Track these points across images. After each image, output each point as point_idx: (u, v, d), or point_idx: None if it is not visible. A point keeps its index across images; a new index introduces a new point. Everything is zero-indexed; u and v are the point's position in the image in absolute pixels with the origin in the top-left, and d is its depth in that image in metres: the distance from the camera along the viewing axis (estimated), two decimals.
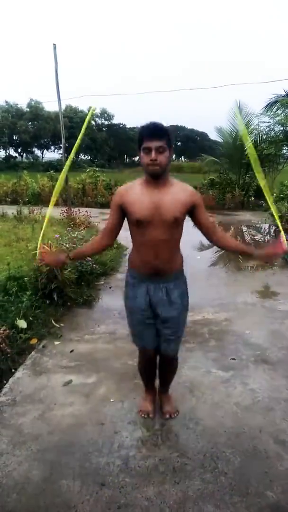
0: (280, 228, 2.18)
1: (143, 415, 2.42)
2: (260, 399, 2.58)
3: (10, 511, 1.81)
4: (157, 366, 2.45)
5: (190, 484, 1.94)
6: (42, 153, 52.27)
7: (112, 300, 4.37)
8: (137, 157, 2.02)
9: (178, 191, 1.99)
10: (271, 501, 1.84)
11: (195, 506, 1.82)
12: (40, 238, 2.27)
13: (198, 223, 2.09)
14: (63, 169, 2.23)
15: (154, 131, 1.87)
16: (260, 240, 8.15)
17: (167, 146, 1.88)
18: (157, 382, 2.55)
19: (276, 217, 2.32)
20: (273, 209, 2.22)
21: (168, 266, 2.07)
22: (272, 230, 8.92)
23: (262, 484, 1.93)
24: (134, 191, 2.00)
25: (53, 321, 3.68)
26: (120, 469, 2.03)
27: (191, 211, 2.03)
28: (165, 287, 2.09)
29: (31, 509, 1.81)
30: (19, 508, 1.82)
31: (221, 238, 2.15)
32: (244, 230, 9.21)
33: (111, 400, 2.58)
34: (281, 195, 8.49)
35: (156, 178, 1.94)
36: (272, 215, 7.73)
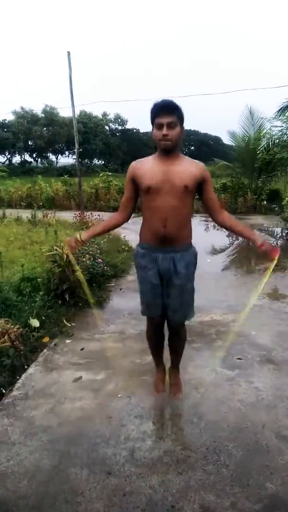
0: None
1: (157, 393, 2.61)
2: (264, 397, 2.65)
3: (21, 496, 1.91)
4: (164, 337, 2.58)
5: (193, 474, 2.01)
6: (57, 158, 52.97)
7: (122, 301, 4.48)
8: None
9: (189, 164, 2.12)
10: (271, 492, 1.91)
11: (197, 495, 1.89)
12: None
13: (205, 199, 2.21)
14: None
15: (165, 107, 2.00)
16: (273, 244, 8.15)
17: (178, 122, 2.01)
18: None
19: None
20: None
21: (176, 236, 2.16)
22: (284, 234, 8.91)
23: (262, 476, 2.00)
24: (146, 164, 2.14)
25: (64, 321, 3.80)
26: (126, 459, 2.12)
27: (200, 185, 2.14)
28: (172, 258, 2.19)
29: (40, 495, 1.92)
30: (30, 493, 1.92)
31: (227, 218, 2.28)
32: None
33: (119, 396, 2.67)
34: None
35: (168, 152, 2.06)
36: (284, 219, 7.77)
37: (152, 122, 2.04)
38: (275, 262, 2.24)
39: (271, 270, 2.28)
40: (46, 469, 2.07)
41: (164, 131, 1.98)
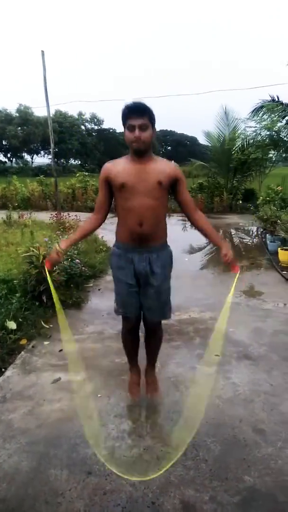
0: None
1: (130, 397, 2.57)
2: (241, 392, 2.70)
3: (1, 499, 1.89)
4: (139, 339, 2.59)
5: (172, 470, 2.04)
6: (32, 158, 52.22)
7: (100, 301, 4.47)
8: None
9: (162, 164, 2.14)
10: (248, 485, 1.95)
11: (177, 491, 1.92)
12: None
13: (180, 199, 2.23)
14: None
15: (136, 109, 2.01)
16: (249, 243, 8.30)
17: (150, 123, 2.02)
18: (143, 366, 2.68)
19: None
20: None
21: (152, 235, 2.17)
22: (259, 232, 9.09)
23: (240, 470, 2.04)
24: (119, 164, 2.14)
25: (42, 322, 3.76)
26: (106, 458, 2.12)
27: (174, 184, 2.16)
28: (148, 258, 2.20)
29: (20, 497, 1.90)
30: (9, 496, 1.90)
31: (200, 220, 2.29)
32: (232, 233, 9.37)
33: (98, 396, 2.67)
34: (268, 198, 8.68)
35: (140, 154, 2.07)
36: (259, 218, 7.92)
37: (124, 124, 2.04)
38: (237, 275, 2.29)
39: (235, 283, 2.31)
40: (25, 471, 2.05)
41: (136, 133, 1.99)
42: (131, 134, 2.01)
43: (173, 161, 2.25)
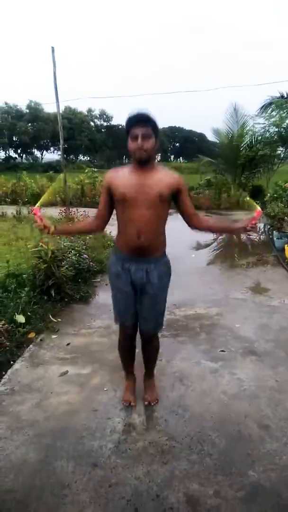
0: (254, 204, 2.25)
1: (124, 404, 2.54)
2: (247, 388, 2.71)
3: (8, 490, 1.93)
4: (135, 348, 2.58)
5: (177, 464, 2.06)
6: (42, 154, 52.43)
7: (108, 296, 4.44)
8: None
9: (164, 175, 2.13)
10: (253, 480, 1.97)
11: (181, 484, 1.94)
12: (39, 202, 2.30)
13: (181, 209, 2.22)
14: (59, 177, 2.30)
15: (140, 119, 2.00)
16: (256, 239, 8.27)
17: (153, 133, 2.01)
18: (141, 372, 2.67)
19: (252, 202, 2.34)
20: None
21: (151, 247, 2.16)
22: (266, 229, 9.04)
23: (245, 465, 2.06)
24: (122, 173, 2.14)
25: (50, 316, 3.80)
26: (112, 451, 2.15)
27: (175, 195, 2.15)
28: (145, 268, 2.20)
29: (27, 488, 1.93)
30: (16, 487, 1.94)
31: (202, 221, 2.29)
32: None
33: (105, 389, 2.70)
34: (275, 195, 8.61)
35: (143, 164, 2.07)
36: (266, 215, 7.88)
37: (127, 133, 2.04)
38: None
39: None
40: (32, 463, 2.08)
41: (139, 142, 1.99)
42: (133, 143, 2.01)
43: (175, 172, 2.21)
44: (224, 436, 2.26)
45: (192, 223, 2.28)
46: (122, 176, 2.13)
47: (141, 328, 2.42)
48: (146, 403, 2.55)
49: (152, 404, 2.54)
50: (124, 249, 2.21)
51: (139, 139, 1.98)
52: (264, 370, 2.93)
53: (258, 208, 2.18)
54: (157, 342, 2.55)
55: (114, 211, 2.25)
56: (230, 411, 2.47)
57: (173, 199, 2.19)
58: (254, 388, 2.71)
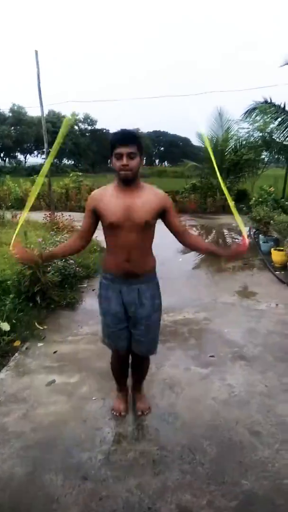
0: (242, 229, 2.26)
1: (115, 414, 2.48)
2: (237, 393, 2.69)
3: None
4: (129, 365, 2.52)
5: (169, 475, 2.02)
6: (25, 158, 51.91)
7: (95, 302, 4.38)
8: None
9: (149, 196, 2.08)
10: (246, 489, 1.94)
11: (174, 496, 1.90)
12: (15, 235, 2.25)
13: (169, 227, 2.19)
14: (40, 173, 2.25)
15: (125, 137, 1.97)
16: (242, 243, 8.31)
17: (138, 152, 1.98)
18: (130, 381, 2.62)
19: (237, 217, 2.33)
20: (232, 208, 2.29)
21: (140, 268, 2.14)
22: (252, 233, 9.11)
23: (237, 473, 2.03)
24: (107, 196, 2.08)
25: (36, 324, 3.72)
26: (102, 463, 2.10)
27: (162, 215, 2.12)
28: (137, 289, 2.16)
29: (15, 503, 1.87)
30: (3, 502, 1.87)
31: (194, 242, 2.25)
32: (225, 233, 9.39)
33: (93, 398, 2.65)
34: (260, 199, 8.69)
35: (128, 183, 2.03)
36: (252, 219, 7.94)
37: (112, 152, 2.00)
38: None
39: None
40: (20, 477, 2.02)
41: (124, 161, 1.95)
42: (118, 162, 1.97)
43: (159, 190, 2.17)
44: (216, 444, 2.23)
45: (181, 239, 2.24)
46: (107, 200, 2.07)
47: (134, 351, 2.34)
48: (139, 413, 2.49)
49: (145, 413, 2.49)
50: (114, 271, 2.17)
51: (124, 158, 1.95)
52: (254, 375, 2.91)
53: (245, 234, 2.20)
54: (147, 363, 2.51)
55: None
56: (221, 418, 2.45)
57: (161, 217, 2.15)
58: (244, 393, 2.69)
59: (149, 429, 2.37)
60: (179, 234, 2.21)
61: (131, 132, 2.01)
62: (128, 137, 1.97)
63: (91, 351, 3.27)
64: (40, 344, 3.40)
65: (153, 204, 2.06)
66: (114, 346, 2.35)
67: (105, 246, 2.26)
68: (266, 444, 2.22)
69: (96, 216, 2.12)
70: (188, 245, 2.25)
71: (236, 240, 8.56)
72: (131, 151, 1.95)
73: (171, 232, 2.21)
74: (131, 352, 2.39)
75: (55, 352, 3.27)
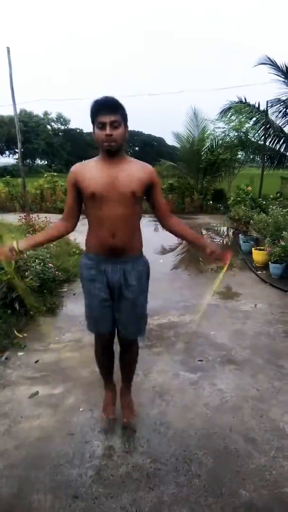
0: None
1: (106, 417, 2.37)
2: (229, 399, 2.63)
3: None
4: (114, 355, 2.39)
5: (165, 489, 1.93)
6: None
7: (76, 307, 4.28)
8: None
9: (136, 168, 1.96)
10: (245, 500, 1.87)
11: (171, 511, 1.81)
12: None
13: (154, 204, 2.09)
14: None
15: (108, 105, 1.83)
16: (219, 243, 8.33)
17: (122, 121, 1.86)
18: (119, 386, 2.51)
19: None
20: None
21: (126, 246, 2.00)
22: (230, 233, 9.15)
23: (235, 484, 1.96)
24: (89, 168, 1.95)
25: (15, 332, 3.55)
26: (93, 479, 1.99)
27: (148, 189, 2.01)
28: (122, 269, 2.03)
29: None
30: None
31: (177, 224, 2.16)
32: (203, 233, 9.39)
33: (80, 410, 2.52)
34: (238, 199, 8.73)
35: (112, 155, 1.90)
36: (231, 218, 7.97)
37: (93, 122, 1.86)
38: (227, 265, 2.18)
39: (224, 272, 2.21)
40: (5, 498, 1.88)
41: (107, 131, 1.81)
42: (101, 132, 1.83)
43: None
44: (211, 453, 2.15)
45: (166, 222, 2.14)
46: (89, 171, 1.93)
47: (120, 335, 2.23)
48: (125, 420, 2.37)
49: (131, 420, 2.37)
50: (98, 249, 2.02)
51: (107, 127, 1.81)
52: (244, 379, 2.86)
53: (228, 255, 2.17)
54: (136, 349, 2.38)
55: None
56: (214, 425, 2.37)
57: (146, 194, 2.03)
58: (236, 399, 2.63)
59: (141, 440, 2.26)
60: (163, 214, 2.11)
61: (113, 99, 1.85)
62: (111, 105, 1.83)
63: (76, 359, 3.14)
64: (20, 354, 3.24)
65: (140, 175, 1.94)
66: (97, 330, 2.21)
67: (83, 249, 2.12)
68: (262, 451, 2.16)
69: (78, 191, 1.97)
70: (173, 229, 2.15)
71: (215, 240, 8.57)
72: (114, 120, 1.81)
73: (155, 210, 2.11)
74: (119, 339, 2.27)
75: (36, 361, 3.12)
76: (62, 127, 52.21)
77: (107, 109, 1.81)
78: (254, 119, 11.61)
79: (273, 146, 11.71)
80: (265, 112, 10.66)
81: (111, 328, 2.19)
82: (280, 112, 11.11)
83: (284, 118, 11.21)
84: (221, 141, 12.50)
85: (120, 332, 2.21)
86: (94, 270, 2.05)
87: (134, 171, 1.95)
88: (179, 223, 2.18)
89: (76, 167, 1.99)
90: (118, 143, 1.87)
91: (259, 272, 5.67)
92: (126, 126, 1.90)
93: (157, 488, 1.93)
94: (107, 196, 1.89)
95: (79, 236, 2.12)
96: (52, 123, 51.16)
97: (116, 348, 2.35)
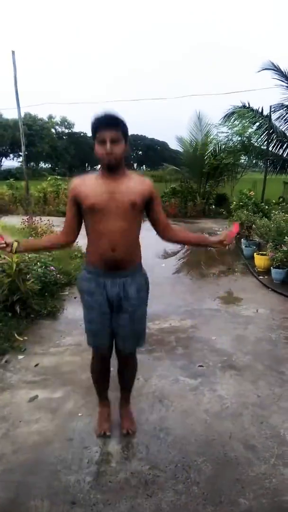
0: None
1: (99, 434, 2.31)
2: (229, 405, 2.60)
3: None
4: (110, 370, 2.36)
5: (163, 496, 1.91)
6: (1, 161, 50.99)
7: (77, 310, 4.26)
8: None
9: (135, 182, 1.96)
10: (244, 508, 1.84)
11: None
12: None
13: (154, 218, 2.08)
14: None
15: (108, 121, 1.82)
16: (221, 247, 8.31)
17: (123, 137, 1.85)
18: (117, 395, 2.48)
19: None
20: None
21: (126, 259, 1.99)
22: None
23: (234, 492, 1.93)
24: (89, 181, 1.96)
25: (16, 335, 3.54)
26: (91, 485, 1.97)
27: (148, 203, 2.00)
28: (122, 282, 2.02)
29: None
30: None
31: (178, 232, 2.16)
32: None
33: (79, 415, 2.51)
34: (241, 203, 8.72)
35: (112, 170, 1.90)
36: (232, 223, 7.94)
37: (94, 137, 1.85)
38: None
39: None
40: (1, 504, 1.87)
41: (108, 147, 1.81)
42: (101, 148, 1.83)
43: (146, 178, 2.07)
44: (210, 460, 2.13)
45: (166, 235, 2.13)
46: (89, 184, 1.93)
47: (119, 349, 2.21)
48: (124, 431, 2.33)
49: (131, 432, 2.33)
50: (97, 263, 2.01)
51: (108, 143, 1.80)
52: (245, 385, 2.84)
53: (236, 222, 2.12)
54: (135, 362, 2.36)
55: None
56: (214, 432, 2.35)
57: (146, 209, 2.03)
58: (236, 405, 2.60)
59: (140, 446, 2.24)
60: (164, 227, 2.10)
61: (114, 116, 1.84)
62: (111, 120, 1.82)
63: (76, 364, 3.12)
64: (20, 357, 3.23)
65: (139, 188, 1.94)
66: (95, 343, 2.19)
67: (85, 252, 2.11)
68: (262, 459, 2.13)
69: (78, 205, 1.97)
70: (175, 239, 2.14)
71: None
72: (115, 136, 1.80)
73: (155, 224, 2.10)
74: (116, 353, 2.25)
75: (36, 365, 3.11)
76: (66, 131, 52.44)
77: (107, 125, 1.81)
78: (257, 124, 11.62)
79: (276, 151, 11.72)
80: (269, 117, 10.67)
81: (110, 342, 2.17)
82: (283, 117, 11.13)
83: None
84: (224, 146, 12.51)
85: (118, 345, 2.19)
86: (93, 283, 2.04)
87: (134, 184, 1.95)
88: (179, 232, 2.18)
89: (77, 181, 2.00)
90: (118, 159, 1.87)
91: (261, 277, 5.65)
92: (126, 141, 1.90)
93: (156, 495, 1.91)
94: (107, 208, 1.89)
95: (82, 239, 2.11)
96: (57, 127, 51.40)
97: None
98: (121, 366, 2.34)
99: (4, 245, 1.95)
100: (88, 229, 2.01)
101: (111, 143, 1.81)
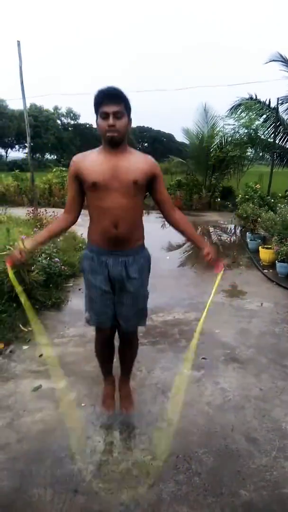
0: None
1: (106, 412, 2.37)
2: (231, 398, 2.61)
3: None
4: (114, 348, 2.38)
5: (164, 486, 1.92)
6: (6, 152, 50.99)
7: (81, 302, 4.25)
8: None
9: (138, 159, 1.95)
10: (244, 500, 1.86)
11: (170, 509, 1.81)
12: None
13: (157, 197, 2.07)
14: None
15: (111, 94, 1.81)
16: (226, 240, 8.29)
17: (126, 111, 1.84)
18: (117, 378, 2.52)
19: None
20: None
21: (128, 237, 1.98)
22: (237, 231, 9.10)
23: (235, 483, 1.95)
24: (90, 158, 1.94)
25: (20, 325, 3.57)
26: (93, 475, 1.99)
27: (151, 181, 1.99)
28: (124, 261, 2.01)
29: None
30: None
31: (180, 220, 2.15)
32: (211, 231, 9.35)
33: (82, 405, 2.53)
34: (246, 196, 8.67)
35: (114, 145, 1.88)
36: (238, 216, 7.91)
37: (96, 111, 1.84)
38: (220, 275, 2.18)
39: (218, 283, 2.20)
40: (5, 492, 1.89)
41: (110, 121, 1.79)
42: (104, 122, 1.81)
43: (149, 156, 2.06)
44: (212, 452, 2.14)
45: (171, 217, 2.12)
46: (91, 161, 1.92)
47: (122, 328, 2.22)
48: (123, 411, 2.37)
49: (130, 412, 2.37)
50: (99, 241, 2.00)
51: (110, 117, 1.79)
52: (248, 378, 2.84)
53: (221, 265, 2.19)
54: (136, 341, 2.39)
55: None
56: (216, 424, 2.36)
57: (148, 187, 2.02)
58: (239, 398, 2.61)
59: (142, 437, 2.26)
60: (166, 207, 2.10)
61: (117, 89, 1.82)
62: (114, 94, 1.81)
63: (79, 354, 3.15)
64: (25, 347, 3.26)
65: (142, 166, 1.93)
66: (98, 323, 2.19)
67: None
68: (264, 451, 2.14)
69: (80, 182, 1.96)
70: (175, 222, 2.14)
71: (222, 238, 8.53)
72: (118, 110, 1.79)
73: (159, 204, 2.09)
74: (119, 333, 2.27)
75: (41, 355, 3.13)
76: (72, 122, 52.26)
77: (111, 99, 1.80)
78: (264, 116, 11.51)
79: (283, 144, 11.61)
80: (276, 109, 10.56)
81: (112, 322, 2.17)
82: None
83: None
84: (230, 138, 12.40)
85: (121, 325, 2.20)
86: (95, 262, 2.04)
87: (136, 161, 1.93)
88: (182, 220, 2.17)
89: (77, 158, 1.98)
90: (121, 134, 1.85)
91: (266, 270, 5.63)
92: (129, 117, 1.88)
93: (157, 485, 1.93)
94: (109, 185, 1.88)
95: (86, 231, 2.11)
96: (62, 118, 51.23)
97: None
98: (123, 344, 2.36)
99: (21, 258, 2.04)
100: (90, 207, 1.99)
101: (114, 117, 1.80)
